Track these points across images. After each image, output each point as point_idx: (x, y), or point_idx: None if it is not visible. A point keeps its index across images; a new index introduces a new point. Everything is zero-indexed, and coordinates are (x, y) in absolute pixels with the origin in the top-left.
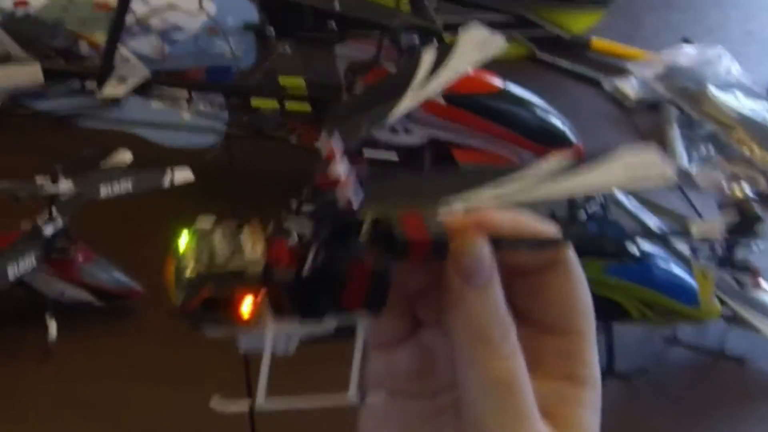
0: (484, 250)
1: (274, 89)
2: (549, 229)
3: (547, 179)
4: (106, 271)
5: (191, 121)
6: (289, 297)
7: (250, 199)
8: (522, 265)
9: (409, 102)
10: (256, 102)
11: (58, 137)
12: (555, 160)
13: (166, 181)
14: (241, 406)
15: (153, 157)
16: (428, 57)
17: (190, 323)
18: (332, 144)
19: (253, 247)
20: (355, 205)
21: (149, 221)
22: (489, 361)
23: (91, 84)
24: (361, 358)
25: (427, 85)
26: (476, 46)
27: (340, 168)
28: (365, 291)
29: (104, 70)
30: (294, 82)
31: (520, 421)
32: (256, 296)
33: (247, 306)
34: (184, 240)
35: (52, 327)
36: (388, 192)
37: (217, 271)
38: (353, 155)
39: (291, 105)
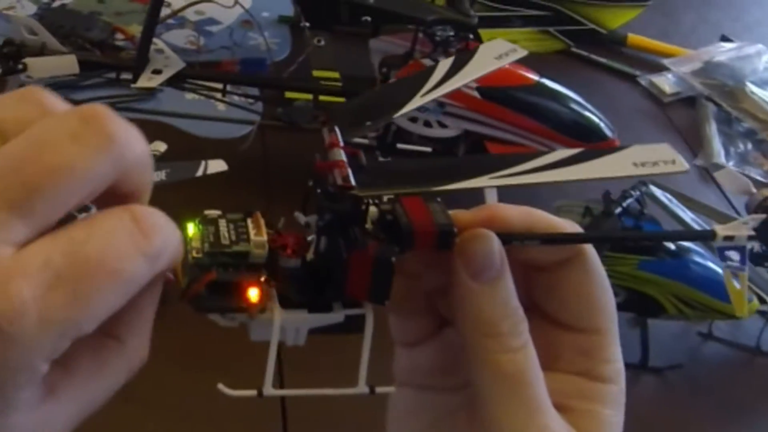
0: (494, 246)
1: (308, 82)
2: (563, 224)
3: (555, 166)
4: None
5: (225, 113)
6: (294, 286)
7: (283, 189)
8: (537, 260)
9: (413, 105)
10: (289, 94)
11: None
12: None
13: (200, 171)
14: (248, 392)
15: (187, 148)
16: (444, 65)
17: (196, 307)
18: (334, 134)
19: (257, 233)
20: (352, 185)
21: (185, 210)
22: (498, 354)
23: (126, 75)
24: (369, 349)
25: (436, 89)
26: (494, 56)
27: (340, 154)
28: (369, 279)
29: (139, 62)
30: (328, 75)
31: (531, 412)
32: (260, 282)
33: (253, 292)
34: (191, 228)
35: None
36: (385, 176)
37: (222, 251)
38: (352, 148)
39: (325, 98)
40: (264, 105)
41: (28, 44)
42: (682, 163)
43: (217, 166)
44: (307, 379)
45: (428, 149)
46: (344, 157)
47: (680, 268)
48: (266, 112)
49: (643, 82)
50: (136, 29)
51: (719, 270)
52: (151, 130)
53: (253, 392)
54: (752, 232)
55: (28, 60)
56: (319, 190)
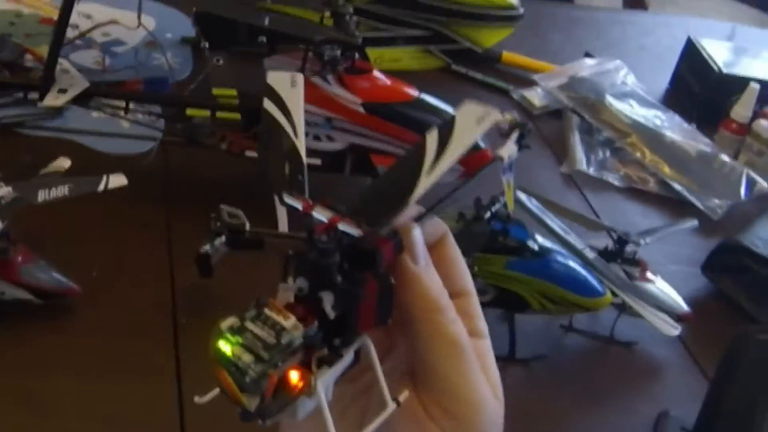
0: (421, 235)
1: (207, 100)
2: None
3: (430, 166)
4: (45, 271)
5: (129, 130)
6: (325, 347)
7: (184, 202)
8: (427, 242)
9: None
10: (190, 111)
11: (2, 145)
12: (423, 145)
13: (101, 186)
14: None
15: (93, 164)
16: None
17: (265, 417)
18: (302, 198)
19: (284, 317)
20: (374, 229)
21: (87, 224)
22: (444, 326)
23: (33, 95)
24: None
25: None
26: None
27: (323, 211)
28: (375, 308)
29: (45, 82)
30: (226, 92)
31: (473, 370)
32: (305, 365)
33: (294, 375)
34: (226, 346)
35: None
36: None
37: (279, 350)
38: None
39: (222, 114)
40: (165, 122)
41: None
42: (494, 110)
43: (117, 180)
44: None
45: (318, 162)
46: (330, 214)
47: (543, 267)
48: (167, 129)
49: (515, 96)
50: (45, 50)
51: (579, 268)
52: (57, 147)
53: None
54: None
55: None
56: (315, 250)
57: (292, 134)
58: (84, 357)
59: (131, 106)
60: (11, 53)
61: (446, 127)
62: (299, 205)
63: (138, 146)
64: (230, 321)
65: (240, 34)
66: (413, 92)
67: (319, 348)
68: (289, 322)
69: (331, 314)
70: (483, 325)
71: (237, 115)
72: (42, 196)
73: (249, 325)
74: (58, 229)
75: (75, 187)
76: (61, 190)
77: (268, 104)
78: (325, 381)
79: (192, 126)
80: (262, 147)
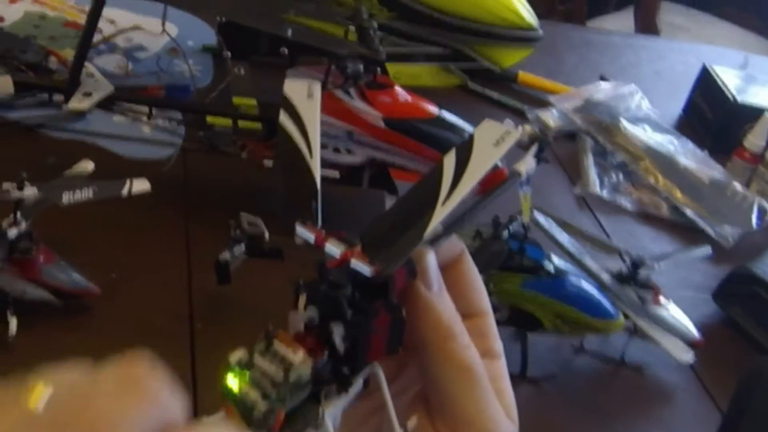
0: (435, 260)
1: (229, 108)
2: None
3: (446, 196)
4: (66, 272)
5: (150, 135)
6: (334, 379)
7: (203, 209)
8: (443, 262)
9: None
10: (211, 119)
11: (26, 146)
12: (441, 170)
13: (125, 191)
14: None
15: (114, 167)
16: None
17: None
18: (315, 230)
19: (293, 349)
20: (383, 269)
21: (107, 226)
22: (457, 353)
23: (58, 97)
24: (390, 396)
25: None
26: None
27: (335, 246)
28: (386, 339)
29: (71, 85)
30: (247, 102)
31: (487, 396)
32: (313, 395)
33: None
34: (233, 381)
35: (13, 323)
36: (380, 246)
37: (281, 390)
38: (333, 232)
39: (243, 123)
40: (186, 129)
41: None
42: (514, 129)
43: (140, 185)
44: None
45: (336, 174)
46: (343, 247)
47: (558, 288)
48: (188, 136)
49: (530, 117)
50: (69, 53)
51: (592, 290)
52: (80, 150)
53: None
54: (535, 160)
55: None
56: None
57: (307, 154)
58: (101, 357)
59: (153, 111)
60: (36, 55)
61: (464, 149)
62: (312, 237)
63: (159, 152)
64: (239, 354)
65: (262, 45)
66: (434, 109)
67: (328, 380)
68: (298, 356)
69: (341, 347)
70: (498, 346)
71: (258, 125)
72: (67, 197)
73: (258, 359)
74: (78, 230)
75: (99, 191)
76: (86, 193)
77: (284, 119)
78: (333, 411)
79: (213, 133)
80: (277, 169)
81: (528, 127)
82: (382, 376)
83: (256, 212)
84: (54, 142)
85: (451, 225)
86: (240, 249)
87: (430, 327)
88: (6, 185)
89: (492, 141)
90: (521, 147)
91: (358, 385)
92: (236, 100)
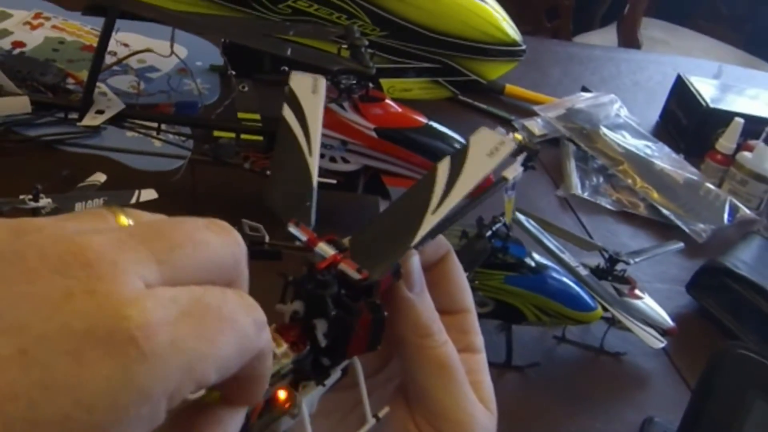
0: (418, 263)
1: (232, 122)
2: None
3: (437, 204)
4: None
5: (160, 148)
6: (312, 370)
7: (210, 215)
8: (428, 261)
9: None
10: (217, 133)
11: (44, 160)
12: (434, 177)
13: (134, 199)
14: None
15: (126, 179)
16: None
17: None
18: (307, 231)
19: (278, 345)
20: (369, 274)
21: None
22: (433, 350)
23: (73, 114)
24: (365, 386)
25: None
26: (488, 152)
27: (326, 248)
28: (367, 337)
29: (85, 103)
30: (250, 116)
31: (462, 391)
32: (290, 387)
33: (282, 395)
34: None
35: None
36: (368, 252)
37: None
38: (326, 236)
39: (246, 136)
40: (194, 142)
41: None
42: (508, 139)
43: (148, 194)
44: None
45: (333, 181)
46: (333, 250)
47: (539, 283)
48: (196, 149)
49: (517, 126)
50: (86, 75)
51: (572, 284)
52: (94, 163)
53: None
54: (522, 168)
55: None
56: (314, 284)
57: (306, 151)
58: None
59: (163, 127)
60: (54, 77)
61: (458, 158)
62: (304, 237)
63: (168, 164)
64: None
65: (264, 63)
66: (422, 119)
67: (307, 371)
68: (281, 349)
69: (323, 342)
70: (479, 341)
71: (260, 137)
72: (79, 207)
73: None
74: None
75: (109, 200)
76: (97, 203)
77: (287, 112)
78: (310, 399)
79: (218, 146)
80: (275, 164)
81: (519, 135)
82: (359, 367)
83: (258, 218)
84: (69, 157)
85: (438, 229)
86: None
87: (409, 325)
88: (22, 197)
89: (486, 151)
90: (510, 155)
91: (336, 374)
92: (241, 115)
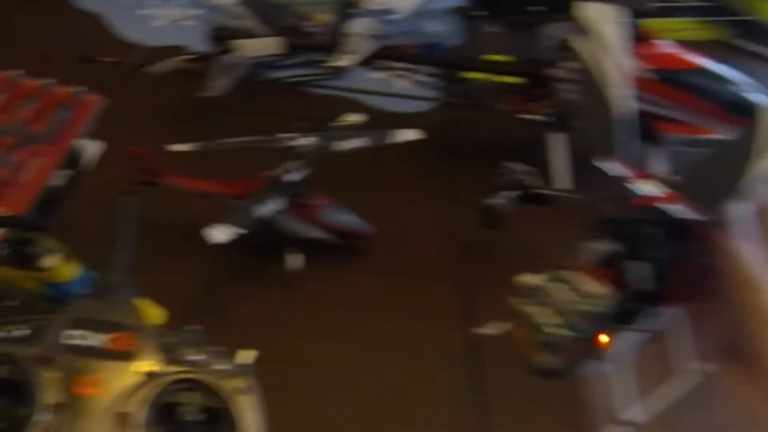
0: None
1: (484, 63)
2: None
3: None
4: (342, 214)
5: (407, 90)
6: (626, 315)
7: (462, 159)
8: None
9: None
10: (471, 74)
11: (290, 101)
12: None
13: (397, 139)
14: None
15: (374, 121)
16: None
17: (561, 376)
18: (629, 166)
19: (594, 284)
20: (691, 214)
21: (378, 174)
22: (765, 306)
23: (319, 56)
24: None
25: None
26: None
27: (653, 187)
28: (689, 285)
29: (334, 44)
30: (499, 59)
31: None
32: (610, 330)
33: (601, 341)
34: (528, 302)
35: (294, 260)
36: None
37: (577, 317)
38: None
39: (500, 77)
40: (442, 84)
41: (236, 28)
42: None
43: (411, 134)
44: None
45: None
46: (655, 188)
47: None
48: (446, 91)
49: None
50: (324, 17)
51: None
52: (342, 105)
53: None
54: None
55: (238, 42)
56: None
57: (607, 84)
58: (374, 294)
59: (410, 67)
60: (295, 18)
61: None
62: (625, 173)
63: (416, 106)
64: (533, 278)
65: (511, 4)
66: (698, 60)
67: (623, 315)
68: (599, 289)
69: (641, 287)
70: None
71: (515, 79)
72: (342, 145)
73: (551, 284)
74: (350, 177)
75: (372, 139)
76: (360, 141)
77: (583, 47)
78: (625, 346)
79: (471, 88)
80: (578, 101)
81: None
82: (679, 319)
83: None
84: (316, 98)
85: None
86: (509, 195)
87: (736, 278)
88: (285, 135)
89: None
90: None
91: (652, 324)
92: (488, 57)
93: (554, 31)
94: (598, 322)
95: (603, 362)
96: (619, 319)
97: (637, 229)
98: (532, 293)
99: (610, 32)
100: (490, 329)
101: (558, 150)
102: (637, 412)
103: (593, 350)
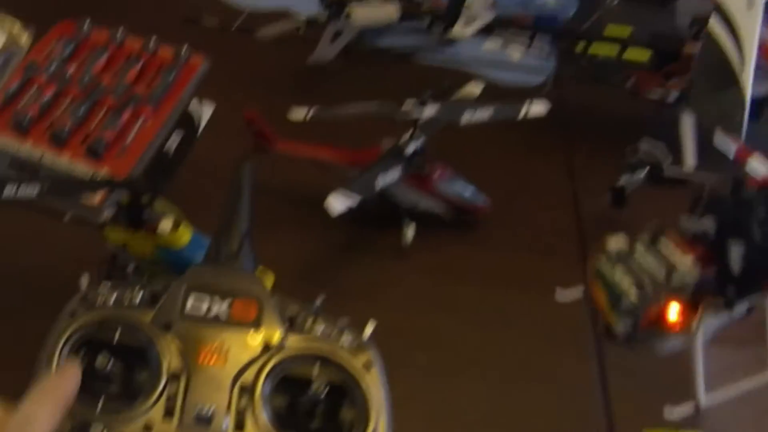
0: None
1: (610, 37)
2: None
3: None
4: (459, 187)
5: (522, 62)
6: (716, 295)
7: (583, 135)
8: None
9: None
10: (593, 48)
11: (397, 71)
12: None
13: (522, 113)
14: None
15: (487, 94)
16: None
17: (633, 344)
18: (738, 143)
19: (682, 255)
20: None
21: (496, 148)
22: None
23: (432, 25)
24: None
25: None
26: None
27: (764, 165)
28: None
29: (454, 14)
30: (621, 31)
31: None
32: (691, 304)
33: (678, 312)
34: (610, 265)
35: (408, 231)
36: None
37: (659, 287)
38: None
39: (629, 53)
40: (559, 56)
41: None
42: None
43: (537, 108)
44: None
45: None
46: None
47: None
48: (563, 64)
49: None
50: None
51: None
52: (451, 77)
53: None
54: None
55: (352, 7)
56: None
57: (738, 64)
58: (488, 268)
59: (527, 38)
60: None
61: None
62: (732, 149)
63: (530, 78)
64: (619, 242)
65: None
66: None
67: (712, 294)
68: (686, 261)
69: (737, 266)
70: None
71: (641, 54)
72: (465, 117)
73: (640, 251)
74: (469, 150)
75: (496, 112)
76: (483, 113)
77: (716, 26)
78: (708, 327)
79: (596, 63)
80: (698, 75)
81: None
82: None
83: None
84: (424, 69)
85: None
86: (638, 174)
87: None
88: (407, 103)
89: None
90: None
91: (741, 309)
92: (610, 28)
93: (686, 6)
94: (676, 293)
95: (682, 338)
96: (705, 295)
97: (739, 207)
98: (618, 257)
99: (743, 16)
100: (569, 295)
101: (688, 130)
102: (716, 395)
103: (666, 324)
